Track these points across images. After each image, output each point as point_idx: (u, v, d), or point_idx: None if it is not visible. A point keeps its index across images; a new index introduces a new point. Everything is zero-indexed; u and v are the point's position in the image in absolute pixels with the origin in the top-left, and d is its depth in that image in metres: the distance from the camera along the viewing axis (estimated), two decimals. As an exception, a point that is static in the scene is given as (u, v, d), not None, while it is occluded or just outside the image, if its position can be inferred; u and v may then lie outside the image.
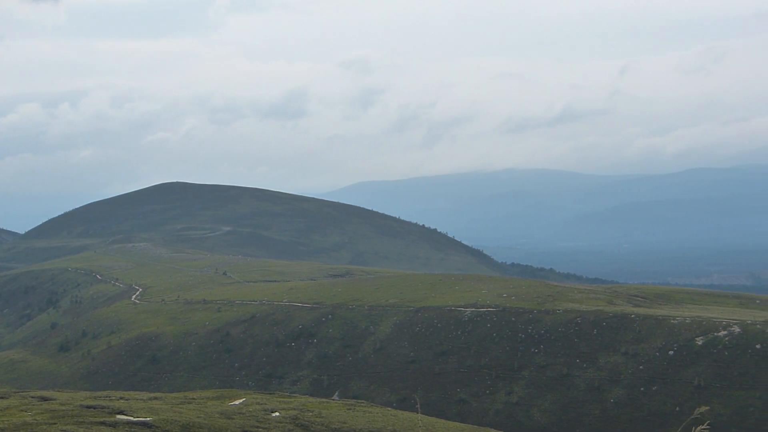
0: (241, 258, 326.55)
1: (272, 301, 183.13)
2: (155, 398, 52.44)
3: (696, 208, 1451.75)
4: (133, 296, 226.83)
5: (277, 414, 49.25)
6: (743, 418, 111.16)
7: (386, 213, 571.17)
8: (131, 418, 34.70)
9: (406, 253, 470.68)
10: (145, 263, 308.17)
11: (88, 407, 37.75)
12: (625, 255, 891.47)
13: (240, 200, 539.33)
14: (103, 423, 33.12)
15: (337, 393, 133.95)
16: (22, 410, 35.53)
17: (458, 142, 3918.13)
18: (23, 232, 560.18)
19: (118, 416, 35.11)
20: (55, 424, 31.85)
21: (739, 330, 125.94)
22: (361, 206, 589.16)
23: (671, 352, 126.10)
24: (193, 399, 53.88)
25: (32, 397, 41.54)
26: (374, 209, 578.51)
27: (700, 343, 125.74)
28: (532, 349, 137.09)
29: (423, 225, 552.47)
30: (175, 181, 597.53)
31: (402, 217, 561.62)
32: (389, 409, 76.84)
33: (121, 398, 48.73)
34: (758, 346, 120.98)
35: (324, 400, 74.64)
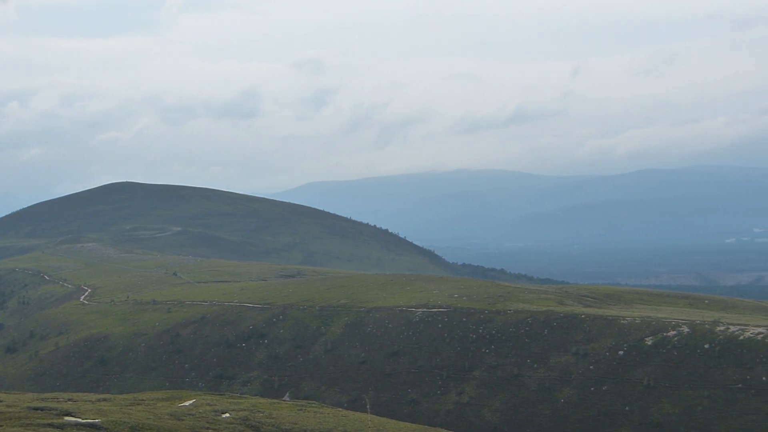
0: (191, 258, 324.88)
1: (223, 302, 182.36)
2: (104, 400, 52.02)
3: (646, 209, 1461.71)
4: (82, 297, 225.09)
5: (227, 415, 48.99)
6: (692, 417, 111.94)
7: (338, 213, 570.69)
8: (79, 420, 34.34)
9: (357, 253, 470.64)
10: (94, 264, 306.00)
11: (36, 409, 37.35)
12: (576, 255, 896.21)
13: (191, 200, 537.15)
14: (50, 425, 32.76)
15: (287, 394, 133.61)
16: (-32, 412, 35.07)
17: (410, 143, 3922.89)
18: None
19: (66, 418, 34.74)
20: (1, 426, 31.45)
21: (688, 330, 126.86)
22: (313, 206, 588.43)
23: (621, 352, 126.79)
24: (143, 400, 53.50)
25: (-22, 399, 41.05)
26: (326, 209, 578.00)
27: (649, 343, 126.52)
28: (483, 350, 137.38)
29: (374, 225, 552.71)
30: (125, 180, 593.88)
31: (354, 218, 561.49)
32: (340, 409, 76.65)
33: (70, 400, 48.27)
34: (707, 346, 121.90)
35: (275, 400, 74.36)
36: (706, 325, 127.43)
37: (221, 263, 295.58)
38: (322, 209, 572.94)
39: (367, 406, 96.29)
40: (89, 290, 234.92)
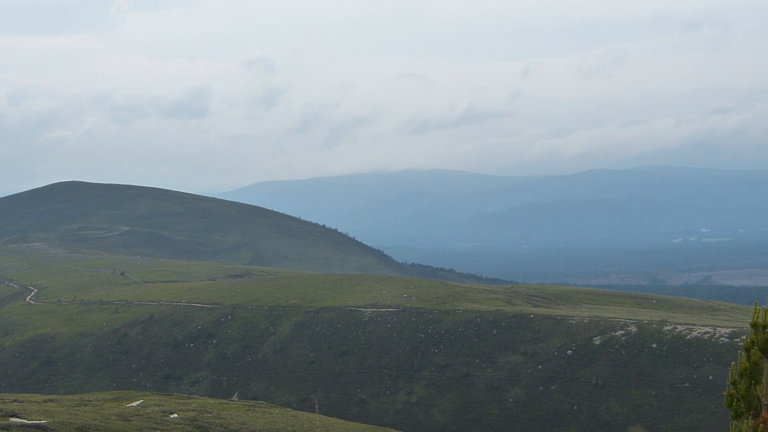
0: (139, 258, 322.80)
1: (171, 302, 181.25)
2: (50, 400, 51.44)
3: (594, 209, 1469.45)
4: (28, 297, 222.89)
5: (175, 415, 48.59)
6: (640, 416, 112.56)
7: (287, 213, 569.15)
8: (25, 421, 33.88)
9: (306, 253, 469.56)
10: (41, 263, 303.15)
11: (-20, 410, 36.77)
12: (525, 255, 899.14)
13: (139, 200, 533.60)
14: (-6, 426, 32.27)
15: (236, 394, 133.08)
16: None
17: (360, 143, 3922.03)
18: None
19: (12, 419, 34.25)
20: (-56, 427, 30.96)
21: (636, 330, 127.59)
22: (262, 206, 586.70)
23: (569, 352, 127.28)
24: (90, 401, 52.96)
25: None
26: (275, 209, 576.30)
27: (597, 342, 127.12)
28: (432, 349, 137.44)
29: (324, 225, 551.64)
30: (73, 180, 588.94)
31: (303, 218, 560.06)
32: (289, 409, 76.33)
33: (15, 401, 47.68)
34: (654, 346, 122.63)
35: (223, 401, 73.97)
36: (654, 325, 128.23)
37: (169, 263, 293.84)
38: (271, 209, 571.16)
39: (315, 406, 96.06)
40: (35, 290, 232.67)
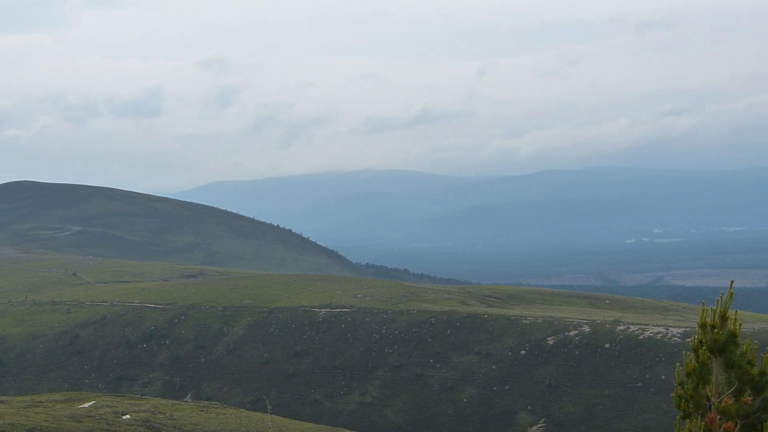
0: (91, 258, 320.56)
1: (124, 302, 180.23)
2: (1, 402, 50.95)
3: (548, 210, 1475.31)
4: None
5: (127, 416, 48.32)
6: (593, 416, 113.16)
7: (241, 213, 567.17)
8: (-27, 423, 33.56)
9: (260, 253, 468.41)
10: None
11: (-72, 412, 36.42)
12: (479, 255, 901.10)
13: (91, 200, 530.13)
14: (-57, 428, 31.95)
15: (189, 395, 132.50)
16: None
17: (315, 143, 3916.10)
18: None
19: (-40, 421, 33.92)
20: None
21: (589, 330, 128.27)
22: (216, 206, 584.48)
23: (523, 352, 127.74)
24: (41, 402, 52.53)
25: None
26: (229, 209, 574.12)
27: (551, 342, 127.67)
28: (387, 350, 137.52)
29: (278, 225, 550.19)
30: (24, 179, 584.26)
31: (257, 218, 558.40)
32: (242, 410, 76.16)
33: (-36, 402, 47.23)
34: (607, 345, 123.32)
35: (176, 402, 73.63)
36: (607, 325, 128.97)
37: (122, 263, 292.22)
38: (225, 209, 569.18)
39: (268, 407, 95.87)
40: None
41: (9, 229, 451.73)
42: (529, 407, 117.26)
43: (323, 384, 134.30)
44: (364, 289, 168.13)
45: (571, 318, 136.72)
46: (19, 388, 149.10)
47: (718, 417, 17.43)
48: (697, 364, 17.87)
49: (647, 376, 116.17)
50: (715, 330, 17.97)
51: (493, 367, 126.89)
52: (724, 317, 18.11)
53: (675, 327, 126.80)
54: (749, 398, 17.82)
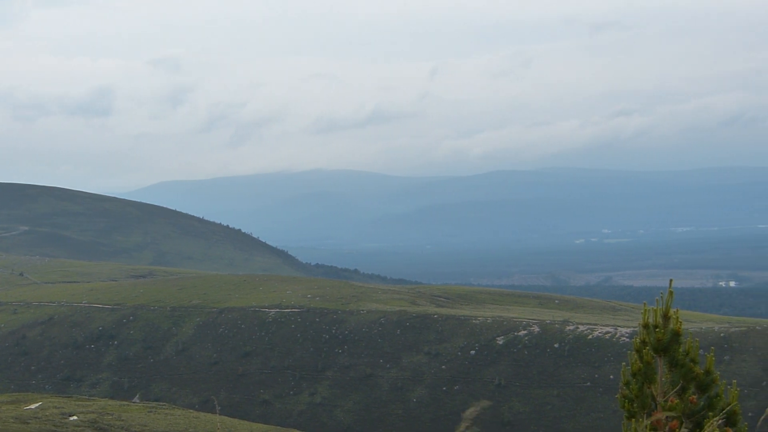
0: (39, 258, 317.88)
1: (71, 303, 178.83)
2: (-56, 403, 50.43)
3: (499, 210, 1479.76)
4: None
5: (75, 418, 47.96)
6: (542, 415, 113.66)
7: (191, 213, 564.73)
8: None
9: (210, 253, 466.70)
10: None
11: None
12: (429, 256, 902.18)
13: (39, 199, 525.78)
14: None
15: (138, 395, 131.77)
16: None
17: (266, 143, 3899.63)
18: None
19: None
20: None
21: (538, 330, 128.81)
22: (166, 206, 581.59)
23: (473, 352, 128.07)
24: (-14, 404, 52.01)
25: None
26: (179, 209, 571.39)
27: (501, 342, 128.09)
28: (336, 350, 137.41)
29: (228, 225, 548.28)
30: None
31: (207, 218, 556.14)
32: (191, 411, 75.81)
33: None
34: (556, 345, 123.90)
35: (124, 402, 73.19)
36: (556, 325, 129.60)
37: (70, 263, 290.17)
38: (174, 209, 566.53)
39: (217, 408, 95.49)
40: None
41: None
42: (478, 407, 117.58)
43: (273, 384, 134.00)
44: (314, 289, 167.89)
45: (520, 318, 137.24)
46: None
47: (664, 416, 17.54)
48: (641, 364, 17.98)
49: (596, 375, 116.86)
50: (658, 329, 18.08)
51: (443, 367, 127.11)
52: (666, 317, 18.23)
53: (623, 327, 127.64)
54: (694, 396, 17.95)
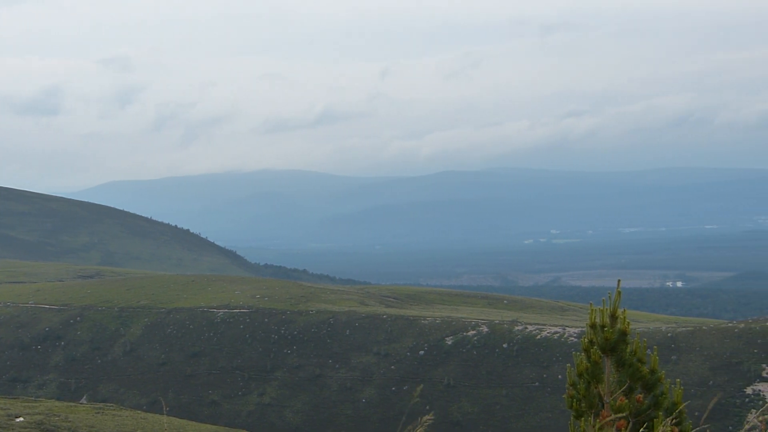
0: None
1: (17, 303, 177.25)
2: None
3: (448, 210, 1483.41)
4: None
5: (21, 419, 47.57)
6: (491, 415, 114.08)
7: (139, 213, 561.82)
8: None
9: (158, 253, 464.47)
10: None
11: None
12: (378, 256, 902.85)
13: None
14: None
15: (85, 397, 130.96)
16: None
17: (215, 143, 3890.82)
18: None
19: None
20: None
21: (487, 330, 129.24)
22: (114, 206, 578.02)
23: (422, 352, 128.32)
24: (-70, 405, 51.47)
25: None
26: (127, 209, 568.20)
27: (449, 342, 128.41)
28: (285, 350, 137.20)
29: (176, 225, 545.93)
30: None
31: (155, 218, 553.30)
32: (139, 411, 75.40)
33: None
34: (505, 345, 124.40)
35: (71, 404, 72.68)
36: (505, 325, 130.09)
37: (16, 264, 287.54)
38: (122, 209, 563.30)
39: (165, 408, 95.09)
40: None
41: None
42: (427, 407, 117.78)
43: (221, 385, 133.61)
44: (262, 289, 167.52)
45: (469, 318, 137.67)
46: None
47: (612, 415, 17.69)
48: (588, 364, 18.13)
49: (544, 375, 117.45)
50: (606, 329, 18.24)
51: (392, 367, 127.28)
52: (614, 316, 18.40)
53: (572, 327, 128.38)
54: (641, 396, 18.12)
